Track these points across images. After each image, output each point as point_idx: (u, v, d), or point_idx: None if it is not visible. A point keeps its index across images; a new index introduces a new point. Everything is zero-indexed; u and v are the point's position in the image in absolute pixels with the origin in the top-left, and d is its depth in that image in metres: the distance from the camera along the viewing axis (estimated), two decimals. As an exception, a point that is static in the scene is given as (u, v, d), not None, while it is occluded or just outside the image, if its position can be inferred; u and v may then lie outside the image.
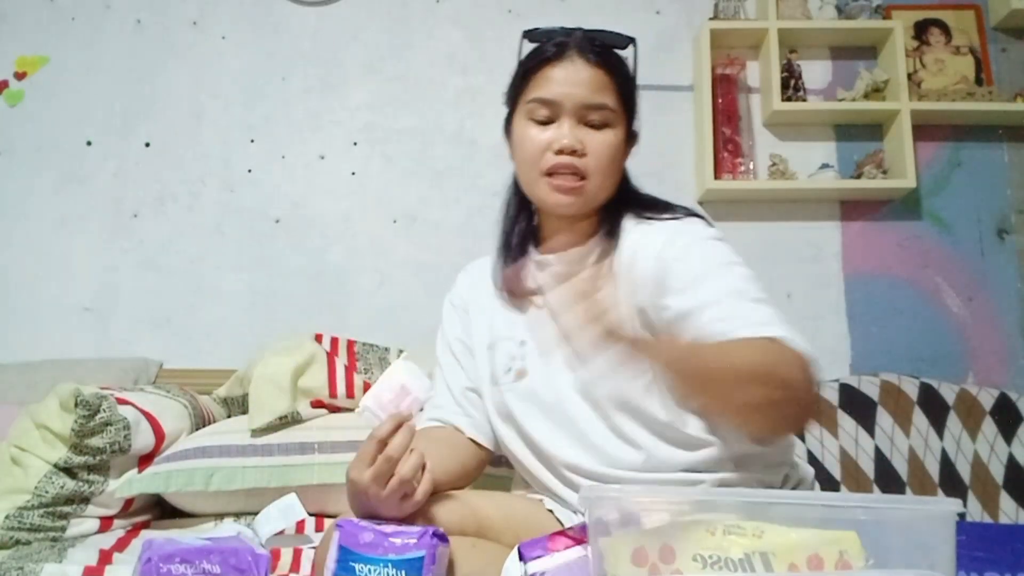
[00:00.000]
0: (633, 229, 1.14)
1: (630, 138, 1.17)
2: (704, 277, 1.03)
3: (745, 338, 0.94)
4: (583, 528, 0.89)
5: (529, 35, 1.16)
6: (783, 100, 2.23)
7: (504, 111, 1.20)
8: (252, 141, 2.30)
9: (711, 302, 1.00)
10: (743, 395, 0.91)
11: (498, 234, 1.24)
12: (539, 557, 0.87)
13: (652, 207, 1.17)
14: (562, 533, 0.91)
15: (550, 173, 1.10)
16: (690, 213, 1.16)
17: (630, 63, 1.17)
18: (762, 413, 0.93)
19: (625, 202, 1.18)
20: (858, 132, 2.32)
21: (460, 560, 0.93)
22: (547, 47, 1.12)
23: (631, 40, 1.17)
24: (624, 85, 1.13)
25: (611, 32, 1.15)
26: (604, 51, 1.12)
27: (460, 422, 1.20)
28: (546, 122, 1.11)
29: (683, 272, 1.04)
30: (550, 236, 1.20)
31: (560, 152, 1.09)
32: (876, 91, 2.26)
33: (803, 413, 1.00)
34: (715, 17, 2.31)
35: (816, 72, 2.35)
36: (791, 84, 2.26)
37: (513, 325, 1.19)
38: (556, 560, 0.87)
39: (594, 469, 1.09)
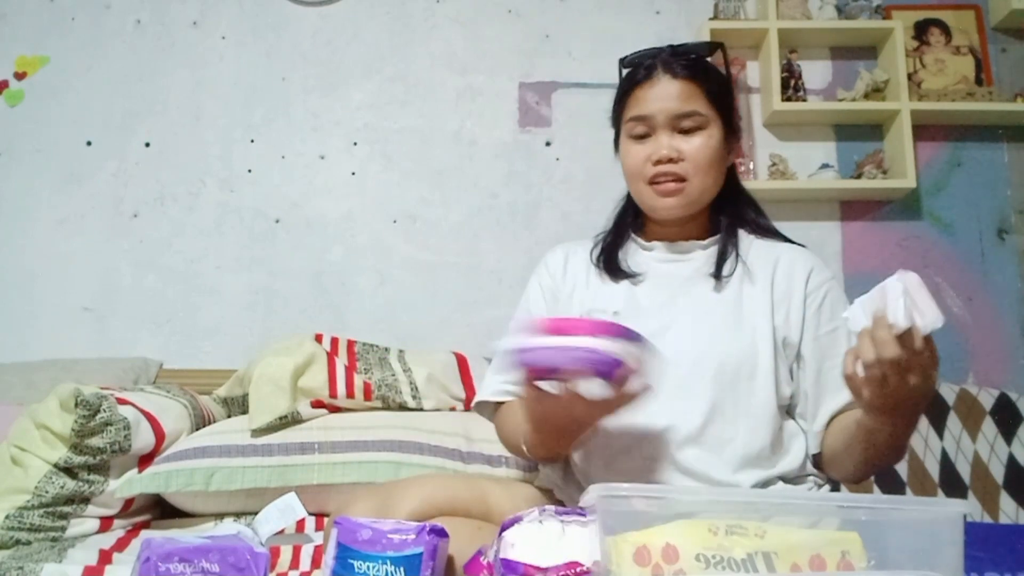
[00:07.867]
0: (752, 240, 1.26)
1: (731, 137, 1.23)
2: (837, 328, 1.17)
3: None
4: None
5: (623, 61, 1.26)
6: (783, 100, 2.23)
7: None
8: (252, 141, 2.30)
9: (836, 356, 1.15)
10: (907, 431, 1.00)
11: (609, 227, 1.34)
12: None
13: (761, 217, 1.30)
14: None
15: (652, 182, 1.19)
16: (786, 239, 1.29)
17: (721, 68, 1.24)
18: (899, 451, 1.06)
19: (735, 203, 1.27)
20: (858, 132, 2.32)
21: (465, 541, 0.95)
22: (638, 71, 1.21)
23: (718, 46, 1.26)
24: (713, 89, 1.20)
25: (696, 43, 1.24)
26: (689, 63, 1.19)
27: None
28: (643, 136, 1.20)
29: (827, 312, 1.18)
30: (657, 233, 1.28)
31: (658, 162, 1.17)
32: (876, 91, 2.26)
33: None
34: (715, 17, 2.31)
35: (816, 72, 2.35)
36: (791, 84, 2.27)
37: (607, 298, 1.24)
38: None
39: (662, 437, 1.11)
